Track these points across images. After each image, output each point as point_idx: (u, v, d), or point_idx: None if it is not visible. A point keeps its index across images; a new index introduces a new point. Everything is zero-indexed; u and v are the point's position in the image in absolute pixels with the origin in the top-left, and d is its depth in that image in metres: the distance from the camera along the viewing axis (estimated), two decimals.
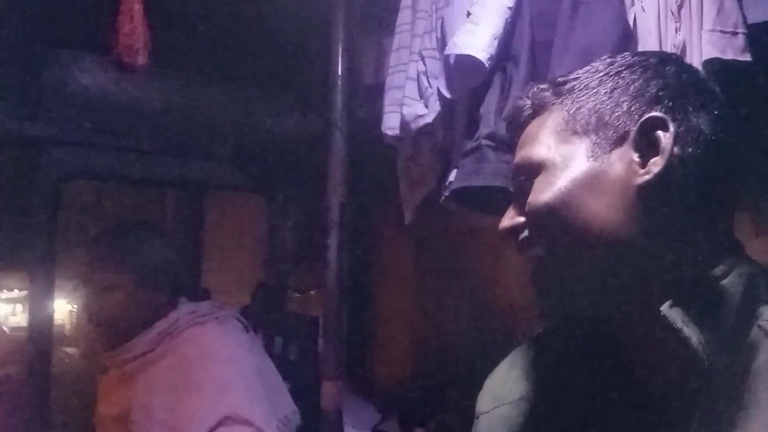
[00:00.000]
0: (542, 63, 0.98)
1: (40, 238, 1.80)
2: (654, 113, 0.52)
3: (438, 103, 1.17)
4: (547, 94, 0.58)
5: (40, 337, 1.76)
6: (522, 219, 0.57)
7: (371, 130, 1.42)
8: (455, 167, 1.11)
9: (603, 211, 0.52)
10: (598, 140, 0.54)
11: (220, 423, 1.14)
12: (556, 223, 0.54)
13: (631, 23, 0.93)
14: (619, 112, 0.54)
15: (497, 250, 1.98)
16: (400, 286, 2.38)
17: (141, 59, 1.16)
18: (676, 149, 0.51)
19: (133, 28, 1.28)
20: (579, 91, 0.56)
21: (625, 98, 0.54)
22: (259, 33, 1.87)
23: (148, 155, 2.00)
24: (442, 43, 1.15)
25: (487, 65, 1.01)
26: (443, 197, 1.18)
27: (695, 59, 0.89)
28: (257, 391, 1.21)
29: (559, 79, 0.59)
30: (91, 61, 1.75)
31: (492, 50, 1.00)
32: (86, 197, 2.41)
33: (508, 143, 0.67)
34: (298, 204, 2.21)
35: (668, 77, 0.54)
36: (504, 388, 0.65)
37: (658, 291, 0.51)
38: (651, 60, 0.56)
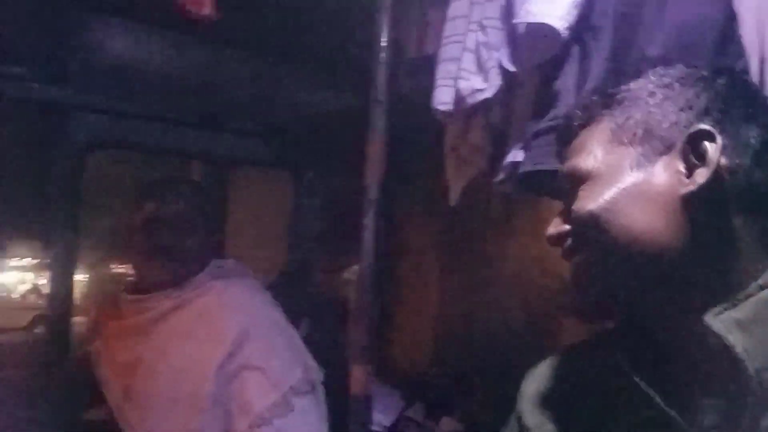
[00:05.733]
0: (625, 37, 0.90)
1: (63, 207, 1.76)
2: (702, 125, 0.53)
3: (499, 76, 1.09)
4: (597, 104, 0.60)
5: (61, 304, 1.74)
6: (567, 227, 0.59)
7: (412, 106, 1.35)
8: (524, 148, 1.03)
9: (647, 219, 0.53)
10: (644, 151, 0.55)
11: (237, 372, 1.18)
12: (599, 231, 0.55)
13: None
14: (667, 124, 0.55)
15: (526, 239, 1.92)
16: (427, 271, 2.32)
17: (207, 9, 1.07)
18: (722, 160, 0.52)
19: None
20: (628, 102, 0.58)
21: (673, 110, 0.55)
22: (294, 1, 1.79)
23: (175, 126, 1.95)
24: (507, 11, 1.08)
25: (564, 36, 0.93)
26: (500, 178, 1.11)
27: None
28: (275, 343, 1.24)
29: (610, 90, 0.60)
30: (121, 27, 1.69)
31: (571, 19, 0.92)
32: (110, 166, 2.37)
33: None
34: (326, 182, 2.15)
35: (719, 89, 0.55)
36: (543, 412, 0.64)
37: (701, 300, 0.52)
38: (702, 72, 0.57)
